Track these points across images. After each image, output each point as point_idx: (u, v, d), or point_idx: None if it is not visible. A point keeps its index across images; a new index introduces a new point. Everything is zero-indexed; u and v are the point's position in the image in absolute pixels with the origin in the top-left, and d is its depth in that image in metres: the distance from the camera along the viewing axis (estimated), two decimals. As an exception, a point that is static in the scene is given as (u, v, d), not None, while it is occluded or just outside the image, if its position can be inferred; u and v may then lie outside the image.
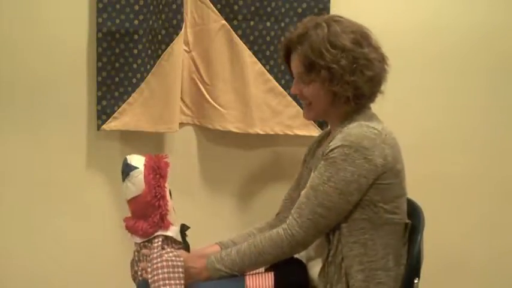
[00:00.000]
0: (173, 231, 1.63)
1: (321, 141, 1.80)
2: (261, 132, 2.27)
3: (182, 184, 2.34)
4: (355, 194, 1.54)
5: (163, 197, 1.60)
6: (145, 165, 1.61)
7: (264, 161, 2.39)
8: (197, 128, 2.35)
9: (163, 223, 1.61)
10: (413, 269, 1.61)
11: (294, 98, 2.26)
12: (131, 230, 1.64)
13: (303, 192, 1.62)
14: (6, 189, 2.30)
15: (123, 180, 1.63)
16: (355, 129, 1.56)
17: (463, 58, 2.33)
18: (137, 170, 1.61)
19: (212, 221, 2.37)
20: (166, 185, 1.63)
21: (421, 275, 1.63)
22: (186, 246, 1.66)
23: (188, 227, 1.69)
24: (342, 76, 1.58)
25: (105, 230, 2.32)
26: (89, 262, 2.35)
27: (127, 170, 1.61)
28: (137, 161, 1.63)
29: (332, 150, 1.55)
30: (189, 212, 2.29)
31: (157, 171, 1.60)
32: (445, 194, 2.38)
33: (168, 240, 1.62)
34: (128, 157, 1.64)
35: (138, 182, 1.60)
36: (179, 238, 1.65)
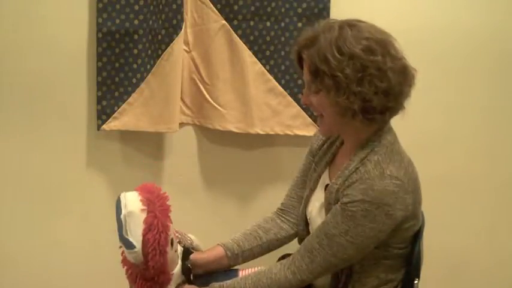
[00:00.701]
0: (172, 283, 1.58)
1: (332, 144, 1.67)
2: (261, 132, 2.27)
3: (182, 184, 2.34)
4: (371, 246, 1.49)
5: (164, 271, 1.52)
6: (143, 241, 1.46)
7: (264, 161, 2.39)
8: (197, 128, 2.35)
9: (163, 287, 1.56)
10: (413, 269, 1.60)
11: (294, 98, 2.26)
12: (129, 279, 1.58)
13: (314, 235, 1.52)
14: (6, 189, 2.30)
15: (118, 234, 1.50)
16: (377, 182, 1.43)
17: (463, 58, 2.33)
18: (135, 250, 1.46)
19: (212, 221, 2.37)
20: (168, 239, 1.52)
21: (424, 276, 1.63)
22: (186, 270, 1.62)
23: (192, 252, 1.66)
24: (348, 86, 1.42)
25: (105, 230, 2.29)
26: (88, 262, 2.35)
27: (123, 241, 1.48)
28: (133, 224, 1.47)
29: (352, 203, 1.44)
30: (189, 212, 2.30)
31: (157, 248, 1.46)
32: (445, 194, 2.38)
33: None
34: (122, 203, 1.50)
35: (136, 258, 1.48)
36: (180, 278, 1.61)
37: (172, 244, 1.55)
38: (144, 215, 1.47)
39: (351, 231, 1.44)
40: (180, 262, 1.61)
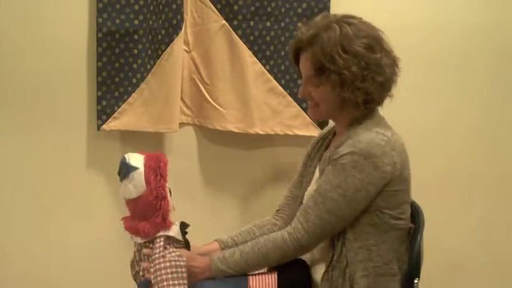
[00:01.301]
0: (174, 231, 1.63)
1: (325, 140, 1.78)
2: (261, 132, 2.27)
3: (182, 184, 2.34)
4: (362, 201, 1.53)
5: (165, 197, 1.59)
6: (145, 165, 1.58)
7: (264, 161, 2.39)
8: (197, 128, 2.35)
9: (165, 223, 1.60)
10: (413, 269, 1.61)
11: (294, 98, 2.26)
12: (132, 230, 1.63)
13: (309, 196, 1.61)
14: (6, 189, 2.30)
15: (121, 179, 1.61)
16: (364, 136, 1.54)
17: (463, 57, 2.33)
18: (137, 170, 1.57)
19: (212, 221, 2.37)
20: (166, 184, 1.62)
21: (421, 275, 1.63)
22: (186, 244, 1.65)
23: (188, 225, 1.68)
24: (353, 82, 1.54)
25: (105, 230, 2.32)
26: (89, 262, 2.35)
27: (126, 170, 1.58)
28: (136, 160, 1.59)
29: (341, 156, 1.53)
30: (189, 212, 2.28)
31: (157, 172, 1.57)
32: (444, 193, 2.38)
33: (169, 240, 1.62)
34: (126, 156, 1.60)
35: (138, 183, 1.57)
36: (180, 237, 1.65)
37: (170, 193, 1.62)
38: (144, 156, 1.61)
39: (341, 185, 1.52)
40: (178, 227, 1.65)
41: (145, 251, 1.61)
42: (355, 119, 1.61)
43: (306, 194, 1.70)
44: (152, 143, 2.33)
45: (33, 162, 2.30)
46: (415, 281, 1.61)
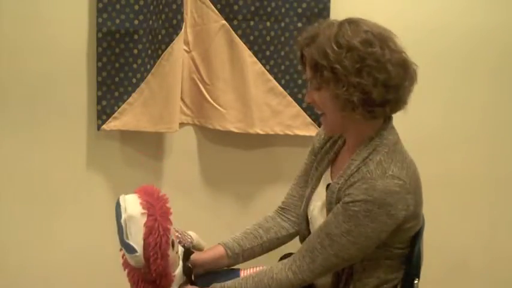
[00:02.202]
0: (174, 285, 1.57)
1: (335, 143, 1.68)
2: (261, 132, 2.27)
3: (182, 184, 2.34)
4: (372, 247, 1.49)
5: (166, 275, 1.51)
6: (144, 244, 1.45)
7: (264, 161, 2.39)
8: (197, 128, 2.35)
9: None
10: (413, 269, 1.60)
11: (294, 98, 2.26)
12: (130, 282, 1.57)
13: (315, 234, 1.53)
14: (6, 189, 2.30)
15: (120, 244, 1.50)
16: (379, 182, 1.43)
17: (463, 57, 2.33)
18: (136, 254, 1.45)
19: (212, 221, 2.37)
20: (169, 235, 1.51)
21: (424, 275, 1.63)
22: (187, 270, 1.61)
23: (192, 252, 1.65)
24: (346, 77, 1.43)
25: (105, 230, 2.29)
26: (88, 262, 2.35)
27: (125, 246, 1.47)
28: (134, 228, 1.46)
29: (354, 202, 1.44)
30: (189, 212, 2.30)
31: (158, 253, 1.45)
32: (445, 194, 2.38)
33: None
34: (122, 207, 1.49)
35: (138, 261, 1.47)
36: (181, 279, 1.60)
37: (173, 246, 1.54)
38: (144, 219, 1.46)
39: (352, 231, 1.44)
40: (181, 263, 1.60)
41: None
42: (364, 139, 1.53)
43: (311, 207, 1.66)
44: (152, 143, 2.33)
45: (33, 162, 2.30)
46: (415, 282, 1.61)
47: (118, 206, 1.50)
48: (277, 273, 1.53)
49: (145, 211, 1.47)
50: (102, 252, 2.33)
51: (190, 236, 1.71)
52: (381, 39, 1.46)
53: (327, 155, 1.69)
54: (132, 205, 1.48)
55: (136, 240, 1.45)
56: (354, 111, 1.47)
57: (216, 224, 2.36)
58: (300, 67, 1.65)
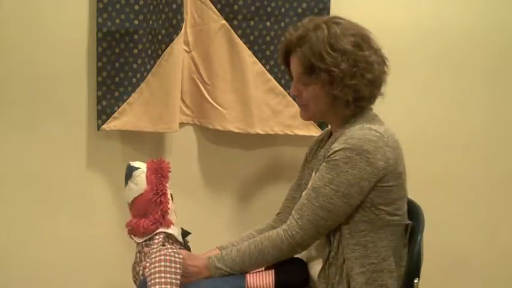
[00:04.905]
0: (175, 230, 1.64)
1: (321, 141, 1.79)
2: (261, 132, 2.27)
3: (182, 184, 2.34)
4: (356, 197, 1.54)
5: (165, 194, 1.64)
6: (147, 166, 1.67)
7: (264, 161, 2.39)
8: (197, 128, 2.35)
9: (164, 220, 1.63)
10: (413, 269, 1.61)
11: (294, 98, 2.26)
12: (133, 229, 1.65)
13: (304, 194, 1.62)
14: (6, 189, 2.30)
15: (126, 183, 1.67)
16: (357, 132, 1.55)
17: (462, 57, 2.33)
18: (139, 169, 1.67)
19: (212, 221, 2.37)
20: (167, 185, 1.66)
21: (421, 275, 1.63)
22: (186, 248, 1.66)
23: (189, 233, 1.70)
24: (342, 79, 1.57)
25: (106, 230, 2.32)
26: (89, 262, 2.35)
27: (129, 171, 1.67)
28: (139, 163, 1.69)
29: (334, 152, 1.54)
30: (189, 212, 2.29)
31: (158, 171, 1.65)
32: (445, 193, 2.38)
33: (169, 238, 1.63)
34: (131, 162, 1.71)
35: (140, 181, 1.65)
36: (180, 239, 1.66)
37: (172, 199, 1.68)
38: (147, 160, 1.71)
39: (334, 180, 1.53)
40: (178, 228, 1.69)
41: (145, 249, 1.62)
42: (347, 118, 1.64)
43: (303, 195, 1.70)
44: (152, 143, 2.33)
45: (33, 162, 2.29)
46: (415, 281, 1.61)
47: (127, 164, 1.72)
48: (269, 233, 1.61)
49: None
50: (102, 251, 2.33)
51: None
52: (365, 40, 1.61)
53: (316, 153, 1.75)
54: (139, 162, 1.72)
55: (141, 165, 1.68)
56: (345, 107, 1.62)
57: (216, 224, 2.36)
58: (279, 60, 1.76)
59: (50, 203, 2.32)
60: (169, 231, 1.63)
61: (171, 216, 1.66)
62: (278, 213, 1.87)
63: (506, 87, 2.36)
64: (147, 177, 1.64)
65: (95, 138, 2.29)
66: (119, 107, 2.21)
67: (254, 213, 2.36)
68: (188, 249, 1.67)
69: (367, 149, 1.52)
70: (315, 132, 2.22)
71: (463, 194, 2.40)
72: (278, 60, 2.21)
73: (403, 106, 2.30)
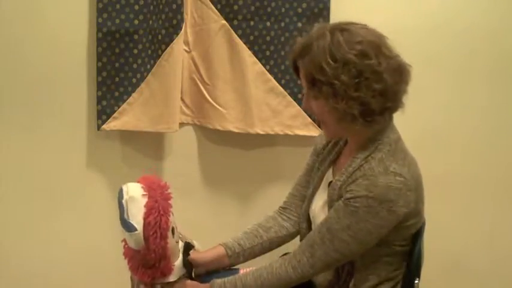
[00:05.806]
0: (174, 274, 1.59)
1: (336, 144, 1.68)
2: (261, 132, 2.27)
3: (182, 184, 2.34)
4: (372, 242, 1.49)
5: (165, 256, 1.54)
6: (144, 223, 1.48)
7: (264, 161, 2.39)
8: (197, 128, 2.35)
9: (165, 276, 1.57)
10: (413, 269, 1.61)
11: (294, 98, 2.26)
12: (130, 270, 1.60)
13: (316, 230, 1.53)
14: (6, 189, 2.30)
15: (121, 224, 1.53)
16: (381, 179, 1.44)
17: (462, 58, 2.33)
18: (136, 232, 1.49)
19: (212, 221, 2.37)
20: (168, 234, 1.54)
21: (424, 275, 1.64)
22: (187, 263, 1.62)
23: (192, 247, 1.66)
24: (346, 92, 1.43)
25: (105, 230, 2.31)
26: (88, 262, 2.35)
27: (126, 226, 1.50)
28: (135, 209, 1.50)
29: (355, 198, 1.45)
30: (189, 212, 2.30)
31: (157, 232, 1.48)
32: (445, 194, 2.38)
33: (168, 284, 1.60)
34: (124, 190, 1.53)
35: (137, 241, 1.50)
36: (181, 271, 1.62)
37: (173, 233, 1.56)
38: (145, 200, 1.50)
39: (353, 227, 1.45)
40: (181, 256, 1.62)
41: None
42: (366, 140, 1.53)
43: (312, 206, 1.67)
44: (152, 143, 2.33)
45: (33, 162, 2.30)
46: (416, 281, 1.61)
47: (120, 190, 1.54)
48: (277, 267, 1.54)
49: (146, 193, 1.51)
50: (102, 251, 2.33)
51: (192, 241, 1.71)
52: (374, 47, 1.45)
53: (329, 155, 1.70)
54: (134, 188, 1.54)
55: (137, 219, 1.48)
56: (353, 122, 1.47)
57: (216, 224, 2.36)
58: (291, 70, 1.61)
59: (50, 202, 2.32)
60: (170, 279, 1.58)
61: (172, 256, 1.57)
62: (284, 208, 1.82)
63: (507, 88, 2.36)
64: (144, 237, 1.48)
65: (95, 138, 2.29)
66: (118, 107, 2.21)
67: (254, 213, 2.35)
68: (190, 265, 1.64)
69: (390, 199, 1.43)
70: (315, 132, 2.22)
71: (463, 194, 2.40)
72: (278, 60, 2.22)
73: (403, 107, 2.30)
